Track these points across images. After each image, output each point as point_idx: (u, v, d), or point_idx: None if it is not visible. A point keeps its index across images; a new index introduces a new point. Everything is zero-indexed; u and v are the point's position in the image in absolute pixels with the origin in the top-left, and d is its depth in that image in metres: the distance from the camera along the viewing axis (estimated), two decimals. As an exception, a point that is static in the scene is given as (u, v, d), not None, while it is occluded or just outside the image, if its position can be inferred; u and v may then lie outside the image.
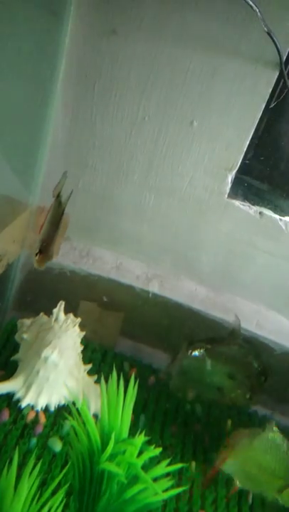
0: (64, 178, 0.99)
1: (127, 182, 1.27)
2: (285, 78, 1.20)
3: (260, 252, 1.27)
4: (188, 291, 1.31)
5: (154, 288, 1.27)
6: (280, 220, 1.25)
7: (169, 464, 0.84)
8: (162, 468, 0.65)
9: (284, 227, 1.25)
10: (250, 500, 0.83)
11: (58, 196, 0.96)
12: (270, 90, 1.16)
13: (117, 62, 1.13)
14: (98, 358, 1.08)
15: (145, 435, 0.91)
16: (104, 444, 0.62)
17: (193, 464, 0.88)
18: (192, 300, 1.28)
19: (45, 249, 0.81)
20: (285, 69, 1.21)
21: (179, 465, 0.68)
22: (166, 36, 1.10)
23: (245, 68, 1.12)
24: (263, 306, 1.31)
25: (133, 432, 0.91)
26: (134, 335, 1.27)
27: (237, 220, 1.27)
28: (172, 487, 0.64)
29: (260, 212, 1.26)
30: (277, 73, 1.13)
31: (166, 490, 0.63)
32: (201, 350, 1.00)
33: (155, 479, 0.65)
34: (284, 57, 1.11)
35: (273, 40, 1.07)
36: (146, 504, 0.61)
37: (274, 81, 1.14)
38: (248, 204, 1.27)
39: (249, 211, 1.26)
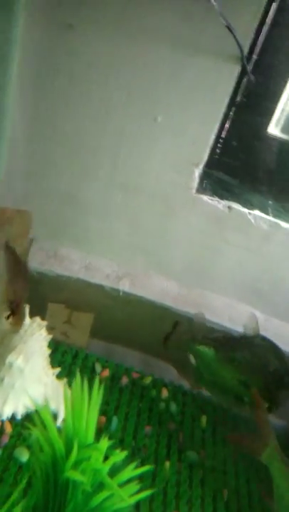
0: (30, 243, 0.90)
1: (93, 180, 1.24)
2: (248, 71, 1.19)
3: (231, 246, 1.26)
4: (159, 289, 1.28)
5: (124, 286, 1.24)
6: (249, 213, 1.25)
7: (143, 466, 0.82)
8: (130, 471, 0.62)
9: (253, 221, 1.24)
10: (225, 497, 0.81)
11: (8, 247, 0.86)
12: (234, 84, 1.15)
13: (76, 57, 1.09)
14: (68, 361, 1.04)
15: (118, 437, 0.89)
16: (69, 451, 0.59)
17: (167, 463, 0.85)
18: (164, 297, 1.25)
19: (16, 309, 0.71)
20: (248, 63, 1.20)
21: (147, 467, 0.65)
22: (125, 31, 1.07)
23: (207, 63, 1.10)
24: (234, 300, 1.30)
25: (105, 435, 0.88)
26: (106, 335, 1.24)
27: (206, 215, 1.25)
28: (141, 490, 0.61)
29: (229, 207, 1.25)
30: (240, 67, 1.12)
31: (136, 493, 0.60)
32: (210, 348, 0.94)
33: (126, 482, 0.62)
34: (245, 51, 1.10)
35: (233, 34, 1.06)
36: (114, 511, 0.58)
37: (236, 75, 1.13)
38: (216, 199, 1.26)
39: (218, 206, 1.25)
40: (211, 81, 1.12)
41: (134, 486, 0.61)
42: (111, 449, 0.69)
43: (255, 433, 0.80)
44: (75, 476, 0.57)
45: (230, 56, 1.11)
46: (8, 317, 0.68)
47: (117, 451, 0.61)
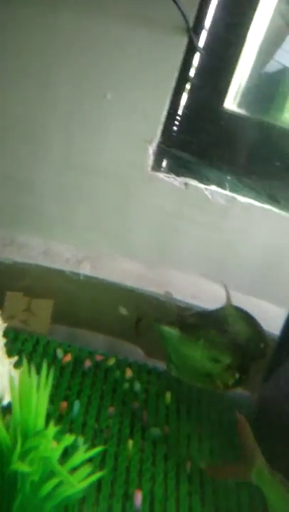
0: None
1: (47, 163, 1.19)
2: (196, 44, 1.16)
3: (189, 222, 1.25)
4: (121, 270, 1.26)
5: (85, 270, 1.22)
6: (206, 189, 1.23)
7: (106, 447, 0.81)
8: (81, 455, 0.61)
9: (210, 197, 1.23)
10: (188, 470, 0.82)
11: None
12: (182, 58, 1.12)
13: (15, 33, 1.03)
14: (29, 348, 1.02)
15: (80, 421, 0.87)
16: (16, 441, 0.57)
17: (131, 442, 0.85)
18: (126, 278, 1.24)
19: None
20: (197, 35, 1.17)
21: (98, 448, 0.64)
22: (67, 5, 1.02)
23: (154, 36, 1.07)
24: (197, 277, 1.30)
25: (66, 420, 0.87)
26: (69, 320, 1.21)
27: (163, 192, 1.23)
28: (94, 472, 0.60)
29: (186, 183, 1.24)
30: (187, 40, 1.09)
31: (88, 476, 0.59)
32: (175, 329, 0.93)
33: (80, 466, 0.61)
34: (191, 23, 1.07)
35: (177, 5, 1.02)
36: (66, 497, 0.57)
37: (184, 48, 1.10)
38: (172, 176, 1.24)
39: (174, 183, 1.23)
40: (158, 55, 1.09)
41: (87, 469, 0.60)
42: (66, 433, 0.68)
43: (236, 461, 0.77)
44: (22, 467, 0.55)
45: (177, 28, 1.08)
46: None
47: (67, 435, 0.59)
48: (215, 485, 0.80)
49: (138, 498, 0.74)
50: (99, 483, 0.75)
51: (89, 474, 0.60)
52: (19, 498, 0.56)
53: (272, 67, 1.38)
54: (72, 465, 0.60)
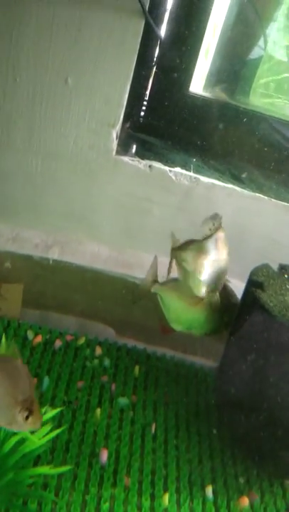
0: None
1: (10, 149, 1.25)
2: (153, 27, 1.23)
3: (155, 204, 1.33)
4: (90, 253, 1.34)
5: (54, 255, 1.29)
6: (170, 171, 1.31)
7: (73, 416, 0.90)
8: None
9: (174, 178, 1.31)
10: (153, 431, 0.91)
11: None
12: (139, 40, 1.18)
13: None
14: (0, 331, 1.09)
15: (49, 395, 0.96)
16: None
17: (98, 410, 0.93)
18: (95, 261, 1.31)
19: (32, 407, 0.61)
20: (155, 17, 1.23)
21: (57, 409, 0.73)
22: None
23: (111, 19, 1.13)
24: (164, 257, 1.38)
25: (35, 394, 0.95)
26: (39, 304, 1.29)
27: (128, 176, 1.30)
28: (51, 430, 0.69)
29: (150, 166, 1.31)
30: (143, 22, 1.15)
31: (47, 434, 0.67)
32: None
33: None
34: (146, 5, 1.14)
35: (131, -13, 1.08)
36: (29, 452, 0.65)
37: (141, 30, 1.16)
38: (137, 159, 1.31)
39: (139, 166, 1.30)
40: (117, 37, 1.15)
41: (46, 428, 0.68)
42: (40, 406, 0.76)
43: None
44: None
45: (134, 11, 1.14)
46: (26, 417, 0.60)
47: None
48: (178, 441, 0.89)
49: (104, 455, 0.83)
50: (67, 446, 0.83)
51: (50, 432, 0.68)
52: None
53: (237, 51, 1.46)
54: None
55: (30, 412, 0.61)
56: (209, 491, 0.85)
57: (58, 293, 1.31)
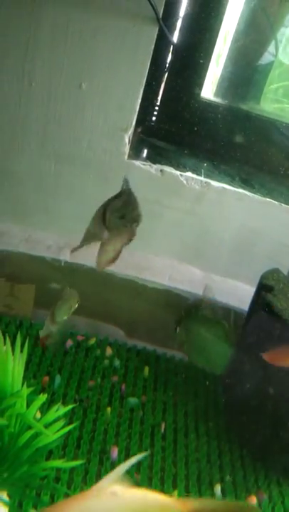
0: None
1: (25, 152, 1.29)
2: (166, 33, 1.27)
3: (166, 208, 1.36)
4: (101, 256, 1.37)
5: (65, 256, 1.32)
6: (181, 175, 1.34)
7: (84, 414, 0.93)
8: (53, 413, 0.73)
9: (185, 182, 1.34)
10: (162, 430, 0.93)
11: None
12: (153, 46, 1.22)
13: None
14: (12, 331, 1.13)
15: (61, 393, 0.99)
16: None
17: (109, 409, 0.96)
18: (106, 263, 1.34)
19: None
20: (169, 24, 1.27)
21: (69, 406, 0.76)
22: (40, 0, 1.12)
23: (125, 25, 1.17)
24: (174, 260, 1.41)
25: (48, 392, 0.98)
26: (51, 304, 1.32)
27: (140, 179, 1.34)
28: (64, 427, 0.72)
29: (162, 170, 1.34)
30: (157, 29, 1.19)
31: (59, 430, 0.71)
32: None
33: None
34: (160, 12, 1.17)
35: (146, -4, 1.12)
36: (43, 446, 0.69)
37: (155, 37, 1.20)
38: (148, 163, 1.35)
39: (150, 170, 1.34)
40: (130, 43, 1.19)
41: (60, 424, 0.71)
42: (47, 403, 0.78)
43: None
44: (0, 421, 0.66)
45: (147, 17, 1.18)
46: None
47: (40, 395, 0.70)
48: (187, 441, 0.92)
49: (114, 452, 0.85)
50: (78, 442, 0.86)
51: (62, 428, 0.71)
52: (-1, 448, 0.67)
53: (249, 57, 1.49)
54: (46, 421, 0.71)
55: None
56: (218, 489, 0.87)
57: (69, 294, 1.34)
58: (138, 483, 0.82)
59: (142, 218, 0.98)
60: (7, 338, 0.78)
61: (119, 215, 0.93)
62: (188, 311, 1.04)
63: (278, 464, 0.93)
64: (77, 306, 1.03)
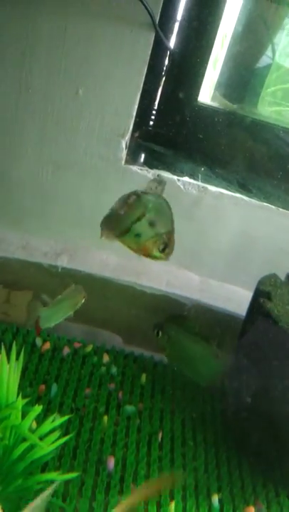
0: None
1: (22, 158, 1.29)
2: (163, 39, 1.26)
3: (163, 213, 1.35)
4: (99, 262, 1.36)
5: (63, 262, 1.31)
6: (178, 180, 1.33)
7: (80, 423, 0.92)
8: (49, 424, 0.71)
9: (182, 187, 1.34)
10: (159, 439, 0.92)
11: None
12: (149, 52, 1.22)
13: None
14: (9, 338, 1.12)
15: (57, 401, 0.98)
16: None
17: (106, 417, 0.95)
18: (103, 269, 1.34)
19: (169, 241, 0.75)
20: (165, 30, 1.27)
21: (65, 417, 0.75)
22: (37, 5, 1.12)
23: (122, 31, 1.17)
24: (172, 266, 1.40)
25: (44, 401, 0.97)
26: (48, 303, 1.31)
27: (137, 185, 1.31)
28: (60, 437, 0.71)
29: (159, 175, 1.33)
30: (154, 35, 1.18)
31: (55, 441, 0.70)
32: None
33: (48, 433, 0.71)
34: (157, 18, 1.17)
35: (142, 2, 1.12)
36: (37, 459, 0.68)
37: (152, 42, 1.20)
38: (145, 168, 1.34)
39: (147, 175, 1.33)
40: (127, 50, 1.19)
41: (55, 435, 0.70)
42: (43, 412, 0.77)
43: None
44: None
45: (144, 24, 1.17)
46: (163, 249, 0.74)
47: (36, 406, 0.69)
48: (184, 450, 0.91)
49: (111, 463, 0.84)
50: (74, 452, 0.85)
51: (58, 439, 0.70)
52: (-8, 461, 0.66)
53: (246, 61, 1.48)
54: (42, 433, 0.70)
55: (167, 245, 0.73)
56: (215, 499, 0.86)
57: (66, 300, 1.33)
58: (135, 494, 0.81)
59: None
60: (2, 346, 0.77)
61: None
62: (172, 318, 1.02)
63: (277, 474, 0.92)
64: (83, 301, 1.01)
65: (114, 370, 1.10)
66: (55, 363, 1.08)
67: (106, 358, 1.14)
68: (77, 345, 1.16)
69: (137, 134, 1.42)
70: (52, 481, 0.71)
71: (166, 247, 0.79)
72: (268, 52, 1.48)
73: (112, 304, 1.36)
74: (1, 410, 0.68)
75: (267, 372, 0.96)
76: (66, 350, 1.13)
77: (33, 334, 1.16)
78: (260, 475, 0.93)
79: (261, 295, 1.04)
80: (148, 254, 0.83)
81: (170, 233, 0.82)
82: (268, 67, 1.50)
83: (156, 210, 0.85)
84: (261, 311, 0.99)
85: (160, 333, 0.98)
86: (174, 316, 1.05)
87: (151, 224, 0.83)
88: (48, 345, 1.13)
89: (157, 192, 0.90)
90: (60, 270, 1.31)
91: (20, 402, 0.68)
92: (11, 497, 0.68)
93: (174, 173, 1.36)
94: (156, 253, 0.82)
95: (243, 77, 1.49)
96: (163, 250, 0.79)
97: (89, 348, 1.15)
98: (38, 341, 1.14)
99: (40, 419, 0.83)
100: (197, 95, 1.44)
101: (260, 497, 0.89)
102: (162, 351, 0.98)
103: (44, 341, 1.14)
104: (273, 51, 1.48)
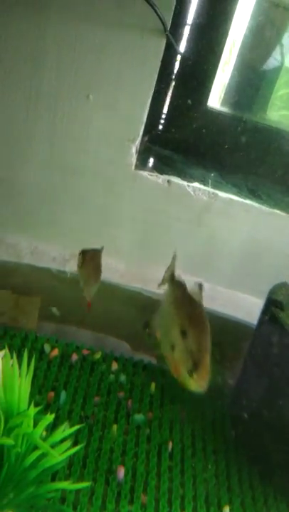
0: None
1: (32, 163, 1.30)
2: (174, 45, 1.27)
3: (172, 219, 1.36)
4: (107, 267, 1.35)
5: (71, 268, 1.32)
6: (188, 186, 1.34)
7: (90, 431, 0.92)
8: (60, 433, 0.72)
9: (192, 193, 1.34)
10: (169, 449, 0.92)
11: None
12: (161, 58, 1.22)
13: (1, 43, 1.13)
14: (18, 344, 1.12)
15: (66, 409, 0.98)
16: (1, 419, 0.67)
17: (115, 426, 0.95)
18: (112, 275, 1.34)
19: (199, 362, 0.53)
20: (176, 36, 1.28)
21: (76, 427, 0.75)
22: (48, 13, 1.13)
23: (133, 39, 1.17)
24: (180, 272, 1.40)
25: (53, 408, 0.97)
26: (56, 316, 1.31)
27: (147, 190, 1.33)
28: (70, 447, 0.71)
29: (169, 181, 1.34)
30: (165, 41, 1.19)
31: (66, 451, 0.70)
32: None
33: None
34: (168, 25, 1.18)
35: (154, 9, 1.13)
36: (49, 467, 0.68)
37: (162, 49, 1.21)
38: (155, 174, 1.34)
39: (157, 181, 1.33)
40: (138, 56, 1.19)
41: (66, 444, 0.70)
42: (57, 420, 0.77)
43: None
44: (7, 441, 0.65)
45: (155, 30, 1.18)
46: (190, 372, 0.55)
47: (47, 415, 0.69)
48: (194, 460, 0.90)
49: (121, 472, 0.84)
50: (84, 461, 0.85)
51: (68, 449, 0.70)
52: (5, 468, 0.66)
53: (255, 65, 1.49)
54: (53, 441, 0.71)
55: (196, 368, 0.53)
56: (226, 511, 0.85)
57: (74, 306, 1.33)
58: (145, 505, 0.81)
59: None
60: (13, 353, 0.77)
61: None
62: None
63: (288, 486, 0.91)
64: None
65: (123, 378, 1.10)
66: (63, 370, 1.08)
67: (115, 366, 1.14)
68: (85, 352, 1.16)
69: (147, 139, 1.42)
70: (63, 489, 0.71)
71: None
72: (277, 56, 1.48)
73: (120, 311, 1.36)
74: (13, 417, 0.68)
75: (278, 382, 0.96)
76: (75, 357, 1.13)
77: (41, 340, 1.16)
78: (271, 486, 0.93)
79: (273, 304, 1.04)
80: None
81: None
82: (278, 71, 1.51)
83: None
84: (273, 321, 0.99)
85: (148, 330, 0.97)
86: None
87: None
88: (56, 352, 1.13)
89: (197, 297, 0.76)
90: (68, 276, 1.32)
91: (33, 410, 0.68)
92: (22, 504, 0.68)
93: (184, 178, 1.36)
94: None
95: (253, 81, 1.49)
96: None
97: (97, 356, 1.15)
98: (47, 347, 1.14)
99: (50, 427, 0.83)
100: (207, 100, 1.44)
101: (271, 509, 0.89)
102: (152, 349, 0.95)
103: (52, 348, 1.14)
104: (282, 55, 1.48)
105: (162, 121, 1.46)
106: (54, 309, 1.04)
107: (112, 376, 1.10)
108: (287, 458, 0.92)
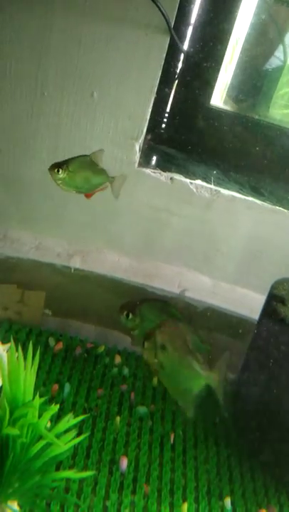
0: None
1: (36, 160, 1.31)
2: (178, 43, 1.27)
3: (175, 215, 1.36)
4: (111, 263, 1.37)
5: (75, 263, 1.33)
6: (191, 183, 1.34)
7: (94, 423, 0.93)
8: (64, 423, 0.73)
9: (195, 190, 1.34)
10: (171, 441, 0.93)
11: None
12: (164, 56, 1.23)
13: (5, 36, 1.14)
14: (23, 338, 1.13)
15: (70, 401, 0.99)
16: (6, 411, 0.68)
17: (118, 418, 0.96)
18: (115, 270, 1.35)
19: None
20: (180, 34, 1.28)
21: (81, 417, 0.76)
22: (53, 9, 1.13)
23: (137, 35, 1.18)
24: (183, 268, 1.41)
25: (57, 400, 0.98)
26: (61, 311, 1.33)
27: (150, 187, 1.34)
28: (74, 437, 0.72)
29: (171, 178, 1.35)
30: (168, 38, 1.19)
31: (71, 441, 0.71)
32: None
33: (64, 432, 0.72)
34: (172, 22, 1.18)
35: (158, 6, 1.13)
36: (53, 457, 0.69)
37: (166, 46, 1.21)
38: (158, 171, 1.35)
39: (160, 178, 1.34)
40: (142, 53, 1.20)
41: (71, 434, 0.71)
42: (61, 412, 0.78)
43: None
44: (12, 431, 0.66)
45: (159, 27, 1.18)
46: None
47: (52, 406, 0.70)
48: (196, 452, 0.91)
49: (124, 463, 0.85)
50: (87, 452, 0.86)
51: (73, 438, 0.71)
52: (11, 457, 0.67)
53: (258, 64, 1.49)
54: (58, 431, 0.72)
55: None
56: (228, 502, 0.86)
57: (78, 301, 1.34)
58: (147, 495, 0.82)
59: None
60: (19, 346, 0.78)
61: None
62: (150, 302, 1.00)
63: (289, 477, 0.92)
64: None
65: (126, 371, 1.11)
66: (67, 363, 1.09)
67: (118, 359, 1.15)
68: (89, 345, 1.17)
69: (150, 137, 1.43)
70: (67, 478, 0.72)
71: None
72: (280, 55, 1.49)
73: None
74: (18, 408, 0.69)
75: (279, 376, 0.96)
76: (78, 351, 1.14)
77: (46, 334, 1.17)
78: (273, 478, 0.93)
79: (275, 299, 1.04)
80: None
81: None
82: (280, 70, 1.51)
83: None
84: (274, 315, 1.00)
85: (130, 315, 0.97)
86: (151, 300, 1.04)
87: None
88: (60, 345, 1.15)
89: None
90: (72, 271, 1.33)
91: (38, 401, 0.69)
92: (27, 493, 0.69)
93: (186, 176, 1.36)
94: None
95: (255, 80, 1.50)
96: None
97: (101, 349, 1.17)
98: (51, 341, 1.15)
99: (54, 418, 0.84)
100: (210, 98, 1.45)
101: (272, 500, 0.89)
102: (130, 332, 0.94)
103: (57, 341, 1.15)
104: (285, 54, 1.48)
105: (165, 119, 1.47)
106: (46, 310, 1.06)
107: (115, 369, 1.11)
108: (288, 450, 0.93)
